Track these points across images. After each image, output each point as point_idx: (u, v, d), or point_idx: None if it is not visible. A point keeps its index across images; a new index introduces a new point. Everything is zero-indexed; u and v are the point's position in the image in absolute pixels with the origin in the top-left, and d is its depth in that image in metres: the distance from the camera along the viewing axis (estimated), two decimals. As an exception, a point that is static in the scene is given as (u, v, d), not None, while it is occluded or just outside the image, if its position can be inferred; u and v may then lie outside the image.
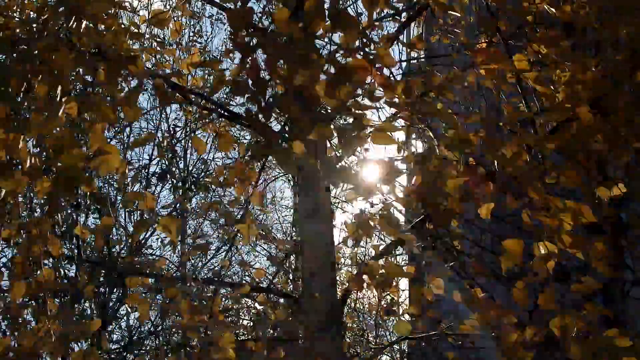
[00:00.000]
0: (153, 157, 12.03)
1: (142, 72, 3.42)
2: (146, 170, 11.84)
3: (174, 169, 12.14)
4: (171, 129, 11.77)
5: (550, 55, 3.80)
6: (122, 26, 3.52)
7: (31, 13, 3.52)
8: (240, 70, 3.13)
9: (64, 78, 3.15)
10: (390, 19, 6.16)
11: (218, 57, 11.70)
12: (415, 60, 9.64)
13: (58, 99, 3.19)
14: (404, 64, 9.20)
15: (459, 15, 4.66)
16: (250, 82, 3.08)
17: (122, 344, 11.66)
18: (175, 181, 11.78)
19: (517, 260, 3.28)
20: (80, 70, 3.46)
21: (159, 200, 11.82)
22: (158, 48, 5.23)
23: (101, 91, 3.41)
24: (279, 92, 3.20)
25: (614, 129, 3.31)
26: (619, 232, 7.75)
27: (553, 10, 3.63)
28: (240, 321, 10.29)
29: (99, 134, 3.39)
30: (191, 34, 12.18)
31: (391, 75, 3.33)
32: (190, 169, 12.64)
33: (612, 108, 3.29)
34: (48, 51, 3.11)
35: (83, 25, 3.26)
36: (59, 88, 3.18)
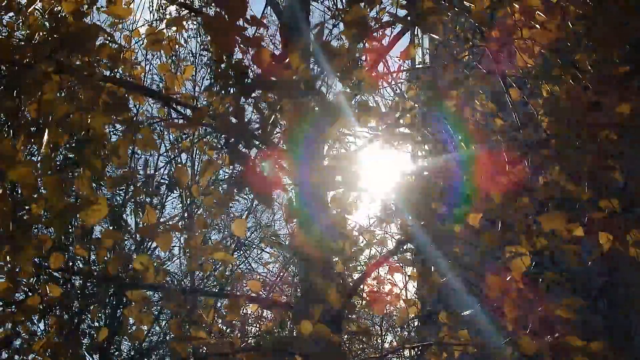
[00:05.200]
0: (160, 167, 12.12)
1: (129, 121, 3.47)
2: (153, 180, 11.90)
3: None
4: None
5: (535, 70, 3.87)
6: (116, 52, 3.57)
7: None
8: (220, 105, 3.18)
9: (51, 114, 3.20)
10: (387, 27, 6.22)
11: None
12: (419, 68, 9.69)
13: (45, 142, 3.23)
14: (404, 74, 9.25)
15: (439, 38, 4.73)
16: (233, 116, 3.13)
17: (131, 354, 11.74)
18: (182, 191, 11.82)
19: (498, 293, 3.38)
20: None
21: (165, 210, 11.87)
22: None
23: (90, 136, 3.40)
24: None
25: (598, 148, 3.38)
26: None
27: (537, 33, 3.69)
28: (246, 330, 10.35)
29: (86, 183, 3.42)
30: (199, 47, 12.22)
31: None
32: (197, 178, 12.69)
33: (591, 128, 3.36)
34: (37, 83, 3.16)
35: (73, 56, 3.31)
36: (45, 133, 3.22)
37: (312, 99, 3.30)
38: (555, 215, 3.35)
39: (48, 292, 4.53)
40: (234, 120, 3.08)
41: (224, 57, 3.07)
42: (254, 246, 14.18)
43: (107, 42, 3.72)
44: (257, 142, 3.20)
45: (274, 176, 3.18)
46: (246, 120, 3.11)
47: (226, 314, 4.96)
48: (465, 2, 3.80)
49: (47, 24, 3.71)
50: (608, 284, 8.07)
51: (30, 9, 4.03)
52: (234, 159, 3.04)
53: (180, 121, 5.03)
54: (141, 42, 6.93)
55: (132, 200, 11.20)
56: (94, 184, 3.63)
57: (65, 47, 3.28)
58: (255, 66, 3.13)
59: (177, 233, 5.23)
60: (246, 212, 13.22)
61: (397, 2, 3.43)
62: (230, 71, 3.05)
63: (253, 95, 3.15)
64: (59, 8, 3.79)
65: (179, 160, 11.94)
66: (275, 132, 3.15)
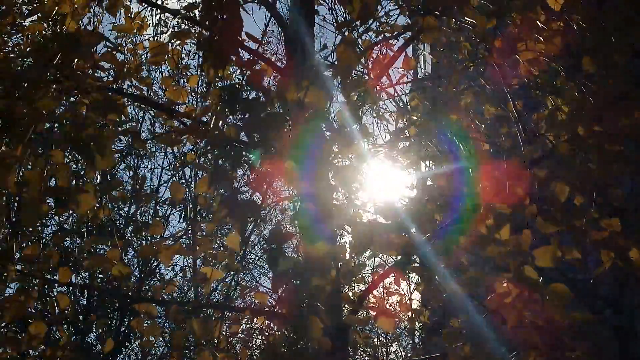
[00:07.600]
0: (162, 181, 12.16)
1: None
2: (156, 195, 11.92)
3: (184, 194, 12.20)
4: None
5: (539, 81, 3.88)
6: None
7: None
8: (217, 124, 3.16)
9: (44, 116, 3.17)
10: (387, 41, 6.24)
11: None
12: (422, 79, 9.71)
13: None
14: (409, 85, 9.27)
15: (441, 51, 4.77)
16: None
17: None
18: (184, 206, 11.82)
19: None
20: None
21: (168, 225, 11.87)
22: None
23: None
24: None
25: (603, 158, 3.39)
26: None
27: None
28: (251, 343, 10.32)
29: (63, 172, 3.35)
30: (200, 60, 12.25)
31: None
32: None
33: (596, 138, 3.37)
34: (32, 87, 3.13)
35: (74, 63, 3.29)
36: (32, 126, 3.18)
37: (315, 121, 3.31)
38: (550, 250, 3.39)
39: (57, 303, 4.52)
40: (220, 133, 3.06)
41: (217, 75, 3.07)
42: (258, 260, 14.17)
43: (110, 50, 3.70)
44: (248, 160, 3.15)
45: (252, 201, 3.15)
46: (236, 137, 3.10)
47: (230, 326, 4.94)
48: (467, 18, 3.82)
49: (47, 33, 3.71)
50: (615, 293, 8.04)
51: (31, 18, 4.04)
52: (215, 180, 3.01)
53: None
54: (145, 55, 6.94)
55: (134, 220, 11.24)
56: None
57: (64, 53, 3.24)
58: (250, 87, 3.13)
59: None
60: (250, 226, 13.18)
61: (395, 22, 3.48)
62: (223, 93, 3.04)
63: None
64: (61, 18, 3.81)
65: (182, 174, 11.95)
66: (271, 149, 3.13)
